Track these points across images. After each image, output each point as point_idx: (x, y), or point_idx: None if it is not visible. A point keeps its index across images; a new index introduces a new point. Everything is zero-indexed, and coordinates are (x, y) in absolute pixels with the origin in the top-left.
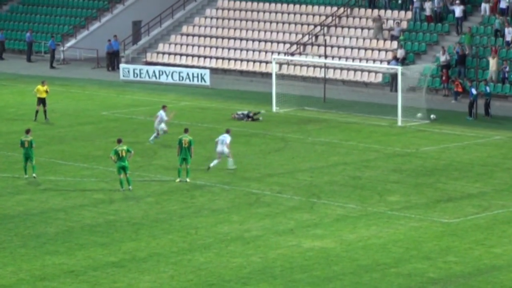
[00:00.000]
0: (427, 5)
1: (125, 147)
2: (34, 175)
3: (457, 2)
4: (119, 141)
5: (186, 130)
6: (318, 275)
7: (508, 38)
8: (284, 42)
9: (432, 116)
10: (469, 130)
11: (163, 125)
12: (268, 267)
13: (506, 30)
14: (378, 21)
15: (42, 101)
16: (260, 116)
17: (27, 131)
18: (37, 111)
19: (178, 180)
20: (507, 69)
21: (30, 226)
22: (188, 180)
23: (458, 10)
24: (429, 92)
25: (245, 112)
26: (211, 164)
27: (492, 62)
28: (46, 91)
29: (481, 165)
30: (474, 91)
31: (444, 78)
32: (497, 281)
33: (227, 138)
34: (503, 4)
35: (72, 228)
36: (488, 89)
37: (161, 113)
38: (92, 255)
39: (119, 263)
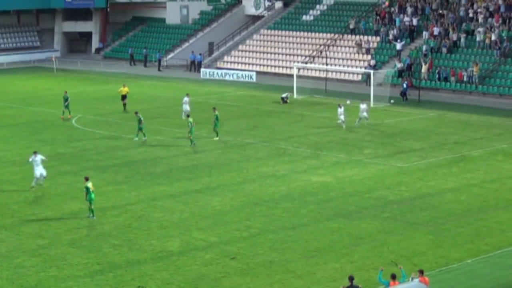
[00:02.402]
0: (390, 32)
1: (191, 119)
2: (136, 138)
3: (399, 40)
4: (188, 116)
5: (214, 109)
6: (320, 198)
7: (425, 51)
8: (300, 55)
9: (391, 101)
10: (414, 109)
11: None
12: (290, 193)
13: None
14: (359, 42)
15: (124, 97)
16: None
17: (136, 112)
18: (124, 104)
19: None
20: (439, 70)
21: (146, 167)
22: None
23: (398, 45)
24: (390, 86)
25: (284, 96)
26: (338, 122)
27: (424, 67)
28: (127, 91)
29: (422, 131)
30: (404, 85)
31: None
32: (431, 202)
33: (365, 106)
34: (436, 31)
35: (171, 169)
36: (404, 85)
37: (340, 110)
38: (183, 185)
39: (199, 190)
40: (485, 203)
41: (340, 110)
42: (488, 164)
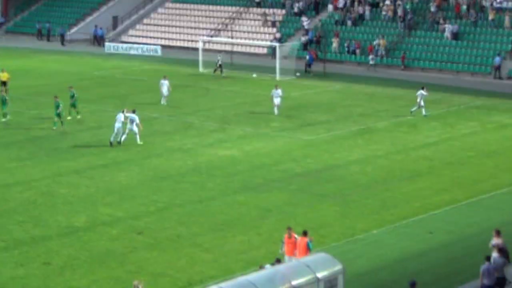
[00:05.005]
0: (295, 5)
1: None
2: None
3: (306, 19)
4: (56, 97)
5: (70, 88)
6: (227, 171)
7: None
8: (205, 29)
9: (297, 74)
10: (320, 82)
11: None
12: (197, 167)
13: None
14: (264, 15)
15: (4, 83)
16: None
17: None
18: (5, 90)
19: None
20: (347, 44)
21: (50, 143)
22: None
23: (306, 24)
24: (296, 59)
25: (218, 59)
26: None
27: (335, 41)
28: (7, 77)
29: (328, 104)
30: (308, 57)
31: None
32: (337, 174)
33: (280, 91)
34: (341, 4)
35: (76, 144)
36: (308, 57)
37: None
38: (88, 160)
39: (105, 165)
40: (391, 174)
41: (424, 93)
42: (393, 136)
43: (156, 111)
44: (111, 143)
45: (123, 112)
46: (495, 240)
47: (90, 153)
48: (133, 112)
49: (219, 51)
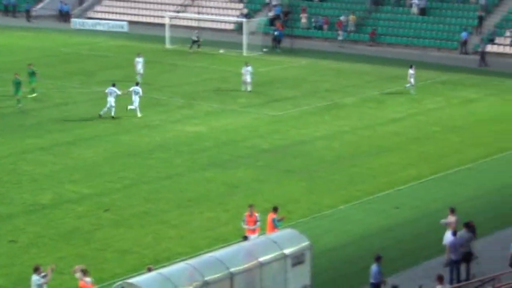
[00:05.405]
0: None
1: (19, 77)
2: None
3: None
4: (16, 74)
5: (30, 65)
6: (195, 147)
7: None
8: (172, 4)
9: (264, 49)
10: (286, 58)
11: None
12: (165, 143)
13: None
14: None
15: None
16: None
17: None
18: None
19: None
20: (315, 20)
21: (15, 120)
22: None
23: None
24: (263, 35)
25: (196, 36)
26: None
27: (303, 16)
28: None
29: (294, 79)
30: (276, 32)
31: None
32: (304, 150)
33: (250, 68)
34: None
35: (42, 121)
36: (276, 32)
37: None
38: (55, 137)
39: (72, 142)
40: (358, 150)
41: (411, 72)
42: (361, 111)
43: (123, 87)
44: (113, 117)
45: (113, 85)
46: (449, 218)
47: (56, 129)
48: (137, 84)
49: (192, 28)
